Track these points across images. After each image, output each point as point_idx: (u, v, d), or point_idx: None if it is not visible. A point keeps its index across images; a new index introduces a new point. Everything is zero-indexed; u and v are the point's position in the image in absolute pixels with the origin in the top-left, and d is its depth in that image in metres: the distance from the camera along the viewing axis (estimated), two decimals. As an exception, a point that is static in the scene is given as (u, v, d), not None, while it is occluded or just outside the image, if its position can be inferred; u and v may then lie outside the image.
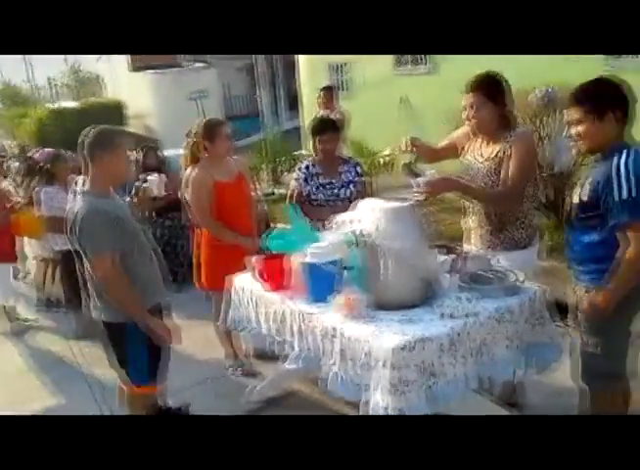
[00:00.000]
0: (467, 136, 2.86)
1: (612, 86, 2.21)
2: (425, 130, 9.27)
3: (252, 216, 3.70)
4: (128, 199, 2.88)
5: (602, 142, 2.20)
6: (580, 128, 2.21)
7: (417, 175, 2.56)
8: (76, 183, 2.72)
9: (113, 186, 2.77)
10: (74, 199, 2.66)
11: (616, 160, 2.11)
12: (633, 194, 2.04)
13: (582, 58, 7.01)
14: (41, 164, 4.92)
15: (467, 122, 2.75)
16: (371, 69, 10.63)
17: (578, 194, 2.26)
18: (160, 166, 5.53)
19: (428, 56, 9.64)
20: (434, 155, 2.98)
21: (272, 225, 5.78)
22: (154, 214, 5.53)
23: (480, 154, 2.77)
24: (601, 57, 6.99)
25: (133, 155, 5.94)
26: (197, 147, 3.51)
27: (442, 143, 3.02)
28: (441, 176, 2.59)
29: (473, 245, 2.91)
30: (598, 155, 2.24)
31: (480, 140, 2.80)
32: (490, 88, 2.66)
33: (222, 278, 3.16)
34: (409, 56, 10.06)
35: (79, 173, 2.94)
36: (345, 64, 11.48)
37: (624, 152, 2.12)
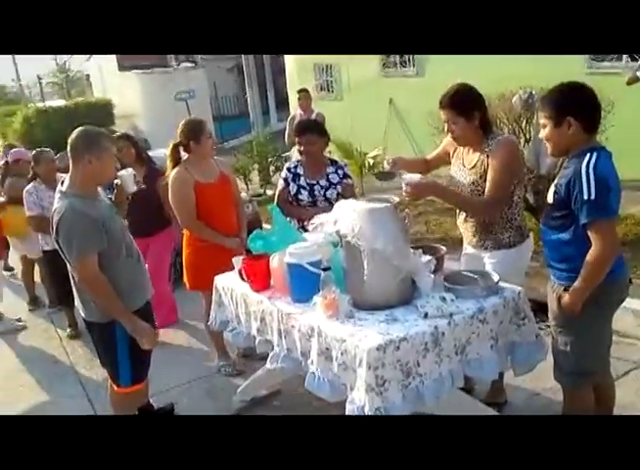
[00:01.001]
0: (453, 143, 2.90)
1: (573, 92, 2.24)
2: (410, 131, 9.37)
3: (238, 217, 3.69)
4: (109, 197, 2.85)
5: (563, 146, 2.25)
6: (545, 132, 2.28)
7: (387, 178, 2.69)
8: (62, 183, 2.68)
9: (97, 186, 2.74)
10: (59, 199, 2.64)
11: (580, 162, 2.15)
12: (592, 196, 2.09)
13: (565, 60, 7.11)
14: (9, 163, 4.91)
15: (449, 135, 2.81)
16: (358, 70, 10.66)
17: (550, 195, 2.30)
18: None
19: (414, 58, 9.69)
20: (425, 166, 3.04)
21: (263, 226, 5.82)
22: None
23: (462, 162, 2.82)
24: (584, 59, 7.08)
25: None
26: (177, 149, 3.50)
27: (434, 152, 3.07)
28: (426, 180, 2.64)
29: (466, 243, 2.95)
30: (568, 158, 2.27)
31: (463, 148, 2.84)
32: (460, 104, 2.66)
33: (205, 278, 3.16)
34: (396, 58, 10.10)
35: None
36: (332, 65, 11.50)
37: (589, 154, 2.16)
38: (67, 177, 2.66)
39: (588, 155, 2.16)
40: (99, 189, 2.76)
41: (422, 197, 2.71)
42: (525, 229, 2.84)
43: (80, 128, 2.64)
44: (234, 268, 2.87)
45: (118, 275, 2.63)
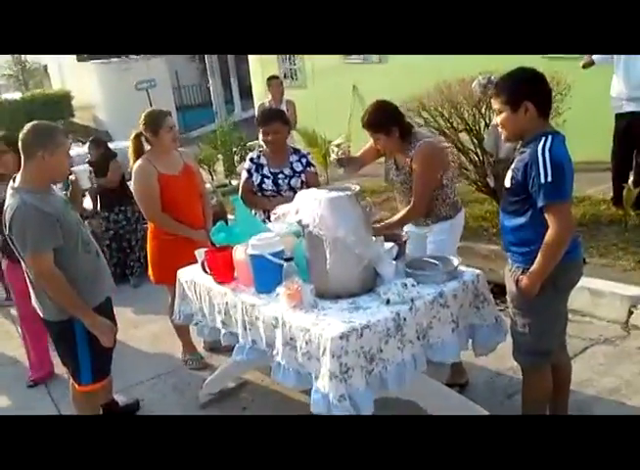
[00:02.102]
0: None
1: (527, 78, 2.29)
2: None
3: (203, 209, 3.66)
4: (64, 193, 2.79)
5: (519, 131, 2.31)
6: (500, 118, 2.32)
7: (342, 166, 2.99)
8: (14, 179, 2.61)
9: (51, 182, 2.68)
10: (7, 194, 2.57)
11: (536, 146, 2.20)
12: (549, 178, 2.13)
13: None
14: None
15: None
16: (321, 58, 10.61)
17: (508, 180, 2.34)
18: (109, 159, 5.42)
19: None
20: (359, 162, 3.21)
21: (228, 217, 5.78)
22: (98, 208, 5.43)
23: (394, 162, 3.06)
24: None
25: (76, 149, 5.81)
26: (139, 140, 3.45)
27: (364, 148, 3.20)
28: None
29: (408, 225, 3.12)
30: (523, 143, 2.32)
31: None
32: (377, 123, 2.92)
33: (171, 272, 3.13)
34: (359, 44, 10.09)
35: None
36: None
37: (543, 139, 2.20)
38: (19, 173, 2.59)
39: (543, 139, 2.21)
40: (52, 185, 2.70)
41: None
42: (459, 203, 3.13)
43: (32, 123, 2.57)
44: (197, 261, 2.86)
45: (77, 271, 2.59)
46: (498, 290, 3.15)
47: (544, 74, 2.32)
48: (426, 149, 2.89)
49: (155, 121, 3.36)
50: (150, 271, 3.66)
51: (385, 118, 2.93)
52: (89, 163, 5.44)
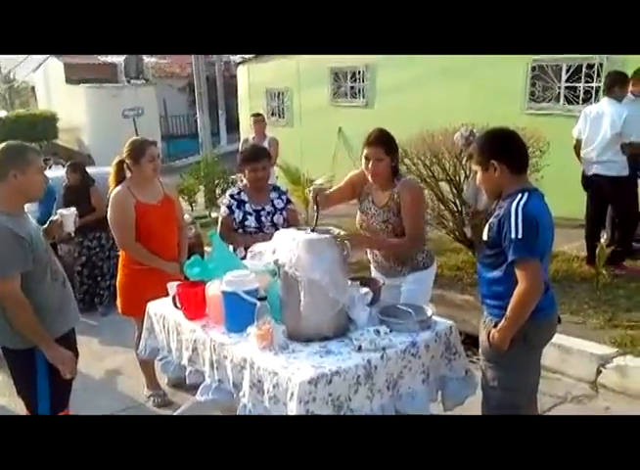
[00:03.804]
0: (362, 181, 3.03)
1: (495, 138, 2.39)
2: (359, 160, 9.52)
3: (179, 241, 3.62)
4: (42, 227, 2.74)
5: (494, 188, 2.38)
6: (477, 177, 2.43)
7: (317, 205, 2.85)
8: None
9: (25, 202, 2.63)
10: None
11: (511, 203, 2.26)
12: (519, 235, 2.17)
13: (505, 99, 7.44)
14: None
15: (366, 171, 2.92)
16: (309, 98, 10.81)
17: (485, 234, 2.38)
18: (87, 184, 5.37)
19: (364, 90, 9.91)
20: (330, 201, 3.09)
21: (205, 249, 5.72)
22: (77, 236, 5.33)
23: (372, 200, 2.99)
24: (523, 99, 7.43)
25: (55, 171, 5.75)
26: (121, 166, 3.43)
27: (337, 187, 3.14)
28: (358, 235, 2.97)
29: (380, 274, 3.08)
30: (502, 198, 2.37)
31: (373, 186, 2.99)
32: (389, 143, 2.88)
33: (139, 304, 3.06)
34: (347, 88, 10.30)
35: None
36: (284, 91, 11.62)
37: (519, 195, 2.26)
38: None
39: (519, 195, 2.26)
40: (26, 207, 2.65)
41: (358, 249, 2.90)
42: (432, 252, 3.15)
43: (4, 143, 2.55)
44: (168, 294, 2.80)
45: (43, 299, 2.51)
46: (470, 341, 3.15)
47: (515, 132, 2.42)
48: (415, 185, 2.94)
49: (137, 150, 3.35)
50: (118, 301, 3.58)
51: (394, 143, 2.91)
52: (66, 187, 5.40)
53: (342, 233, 2.54)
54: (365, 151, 2.88)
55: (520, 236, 2.17)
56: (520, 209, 2.20)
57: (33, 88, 21.75)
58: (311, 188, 3.04)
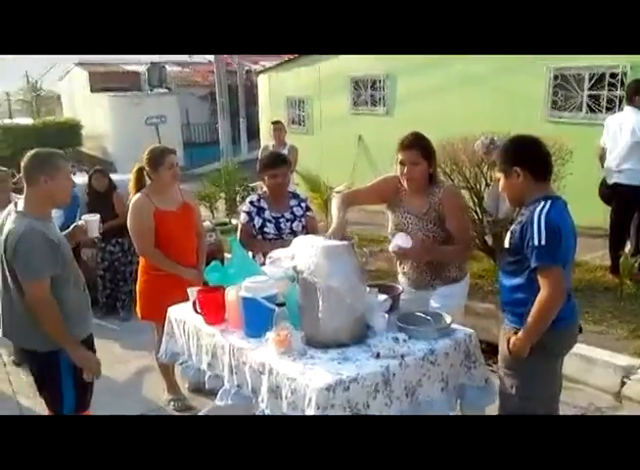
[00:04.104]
0: (393, 187, 2.89)
1: (518, 145, 2.38)
2: (378, 168, 9.52)
3: (198, 248, 3.65)
4: (65, 232, 2.80)
5: (517, 196, 2.37)
6: (500, 184, 2.41)
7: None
8: (16, 204, 2.63)
9: (53, 208, 2.70)
10: (7, 218, 2.57)
11: (534, 210, 2.24)
12: (543, 242, 2.16)
13: (527, 107, 7.38)
14: None
15: (401, 177, 2.82)
16: (329, 106, 10.86)
17: (507, 241, 2.37)
18: (109, 191, 5.45)
19: (384, 98, 9.92)
20: (353, 201, 2.96)
21: (225, 255, 5.76)
22: (99, 241, 5.41)
23: (408, 210, 2.85)
24: (545, 107, 7.37)
25: (79, 177, 5.85)
26: (141, 173, 3.48)
27: (364, 187, 3.03)
28: (422, 246, 2.73)
29: (407, 286, 2.97)
30: (524, 205, 2.36)
31: (407, 194, 2.86)
32: (424, 147, 2.77)
33: (159, 309, 3.09)
34: (367, 96, 10.33)
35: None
36: (304, 100, 11.69)
37: (542, 203, 2.25)
38: (21, 199, 2.60)
39: (542, 203, 2.25)
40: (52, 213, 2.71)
41: (421, 260, 2.83)
42: (466, 265, 3.01)
43: (33, 150, 2.62)
44: (189, 299, 2.83)
45: (66, 303, 2.56)
46: (490, 350, 3.11)
47: (539, 140, 2.40)
48: (456, 191, 2.85)
49: (156, 158, 3.39)
50: (137, 306, 3.62)
51: (432, 148, 2.81)
52: (90, 193, 5.48)
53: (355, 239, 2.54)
54: (400, 155, 2.78)
55: (543, 243, 2.16)
56: (543, 215, 2.19)
57: (59, 97, 22.24)
58: (337, 189, 3.03)
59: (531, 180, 2.29)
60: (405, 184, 2.82)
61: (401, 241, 2.73)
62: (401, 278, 3.05)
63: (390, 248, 2.79)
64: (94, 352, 2.82)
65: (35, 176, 2.53)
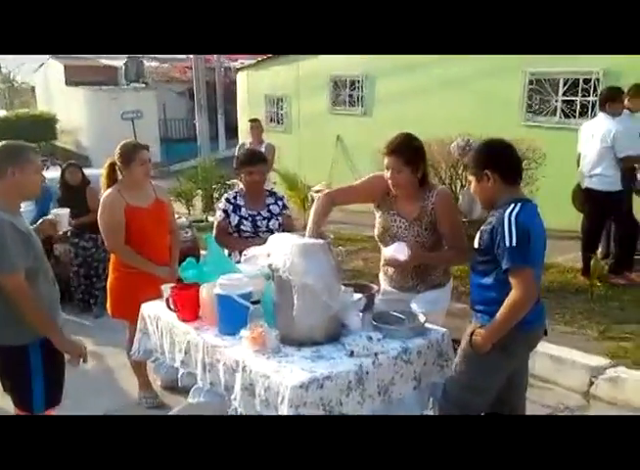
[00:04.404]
0: (383, 187, 2.78)
1: (489, 149, 2.44)
2: (356, 167, 9.57)
3: (171, 245, 3.61)
4: (34, 226, 2.78)
5: (488, 198, 2.42)
6: (472, 187, 2.47)
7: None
8: None
9: (22, 200, 2.66)
10: None
11: (504, 212, 2.28)
12: (514, 243, 2.20)
13: (502, 111, 7.48)
14: None
15: (389, 182, 2.72)
16: (308, 105, 10.86)
17: (476, 241, 2.41)
18: (82, 185, 5.36)
19: (362, 98, 9.96)
20: (340, 198, 2.86)
21: (201, 252, 5.72)
22: (68, 233, 5.32)
23: (398, 213, 2.77)
24: (520, 111, 7.48)
25: (52, 171, 5.76)
26: (113, 168, 3.44)
27: (353, 185, 2.92)
28: (410, 255, 2.62)
29: (390, 287, 2.93)
30: (494, 208, 2.40)
31: (397, 197, 2.78)
32: (407, 153, 2.66)
33: (130, 307, 3.05)
34: (345, 96, 10.36)
35: None
36: (283, 98, 11.67)
37: (512, 205, 2.29)
38: None
39: (512, 205, 2.29)
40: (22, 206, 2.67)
41: (407, 267, 2.74)
42: (450, 269, 2.97)
43: (2, 142, 2.59)
44: (162, 296, 2.80)
45: (39, 296, 2.53)
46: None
47: (510, 144, 2.45)
48: (449, 195, 2.76)
49: (128, 153, 3.34)
50: (108, 304, 3.57)
51: (417, 151, 2.69)
52: (63, 187, 5.39)
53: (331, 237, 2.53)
54: (385, 159, 2.71)
55: (514, 244, 2.20)
56: (513, 217, 2.23)
57: (33, 89, 21.81)
58: (313, 195, 2.99)
59: (502, 183, 2.34)
60: (392, 189, 2.74)
61: (398, 252, 2.64)
62: (382, 278, 2.99)
63: (385, 256, 2.71)
64: None
65: (3, 168, 2.49)
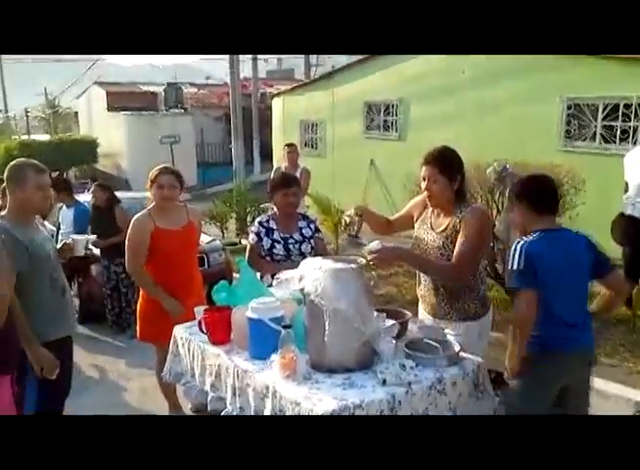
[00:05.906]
0: (422, 205, 2.87)
1: (526, 181, 2.60)
2: (389, 192, 9.54)
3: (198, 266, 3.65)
4: (57, 246, 2.94)
5: (519, 226, 2.58)
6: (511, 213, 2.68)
7: (357, 238, 2.67)
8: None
9: (32, 215, 2.84)
10: None
11: (521, 239, 2.45)
12: (514, 266, 2.38)
13: (540, 136, 7.38)
14: None
15: (424, 193, 2.76)
16: (342, 130, 10.94)
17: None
18: (111, 205, 5.45)
19: (397, 123, 9.97)
20: (388, 226, 3.00)
21: (233, 275, 5.75)
22: (103, 260, 5.42)
23: (430, 226, 2.78)
24: (559, 136, 7.36)
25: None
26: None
27: (398, 215, 3.03)
28: (392, 245, 2.62)
29: (426, 313, 2.86)
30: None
31: (433, 211, 2.80)
32: (444, 163, 2.67)
33: (153, 330, 3.08)
34: (380, 121, 10.39)
35: None
36: (318, 123, 11.78)
37: (533, 235, 2.44)
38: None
39: (533, 235, 2.42)
40: (40, 225, 2.88)
41: (388, 262, 2.75)
42: (489, 300, 2.86)
43: (12, 162, 2.82)
44: (192, 319, 2.81)
45: (37, 304, 2.66)
46: (499, 380, 3.05)
47: (546, 177, 2.62)
48: (483, 214, 2.73)
49: (152, 176, 3.42)
50: (137, 326, 3.60)
51: (454, 162, 2.70)
52: (93, 206, 5.52)
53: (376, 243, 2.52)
54: (422, 171, 2.72)
55: (514, 267, 2.37)
56: (519, 244, 2.39)
57: (76, 114, 22.59)
58: (346, 219, 2.97)
59: (532, 213, 2.48)
60: (427, 200, 2.75)
61: (374, 245, 2.58)
62: (421, 305, 2.92)
63: (364, 250, 2.64)
64: (70, 354, 2.97)
65: (9, 187, 2.74)
